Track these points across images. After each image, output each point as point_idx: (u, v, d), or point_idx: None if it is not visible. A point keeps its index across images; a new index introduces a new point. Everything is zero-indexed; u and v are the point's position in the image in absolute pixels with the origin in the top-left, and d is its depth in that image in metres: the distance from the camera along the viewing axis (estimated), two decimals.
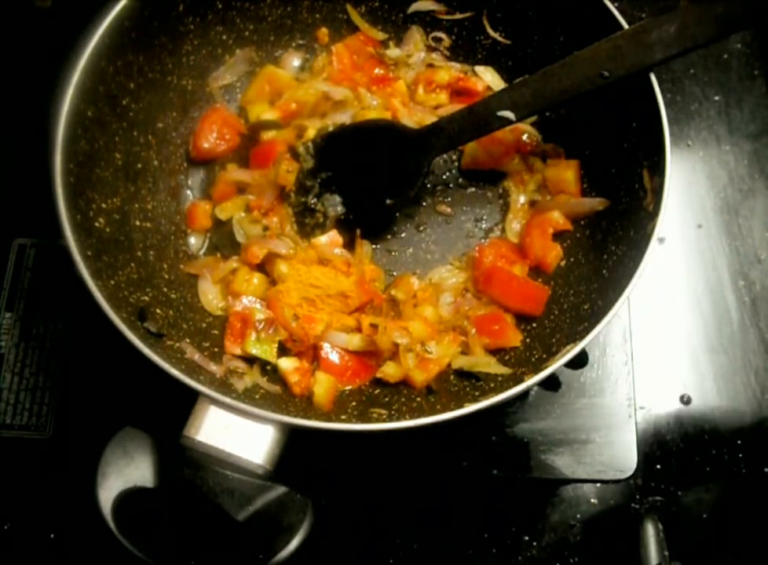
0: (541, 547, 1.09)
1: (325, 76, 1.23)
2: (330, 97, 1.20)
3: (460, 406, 0.87)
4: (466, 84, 1.24)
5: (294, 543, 0.83)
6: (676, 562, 1.03)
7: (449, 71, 1.25)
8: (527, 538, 1.09)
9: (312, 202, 1.14)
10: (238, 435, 0.85)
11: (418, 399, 1.04)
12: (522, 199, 1.19)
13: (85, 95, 0.98)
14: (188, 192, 1.21)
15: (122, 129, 1.08)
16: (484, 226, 1.20)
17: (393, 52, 1.27)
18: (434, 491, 1.11)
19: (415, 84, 1.25)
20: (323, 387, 1.03)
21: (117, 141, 1.07)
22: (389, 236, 1.18)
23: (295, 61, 1.27)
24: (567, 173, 1.16)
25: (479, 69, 1.25)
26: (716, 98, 1.36)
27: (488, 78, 1.24)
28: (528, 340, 1.09)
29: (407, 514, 1.10)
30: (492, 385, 1.03)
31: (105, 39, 0.99)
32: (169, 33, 1.11)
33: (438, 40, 1.27)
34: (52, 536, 1.08)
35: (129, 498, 0.85)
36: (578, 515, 1.10)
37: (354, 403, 1.04)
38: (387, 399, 1.05)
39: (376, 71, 1.26)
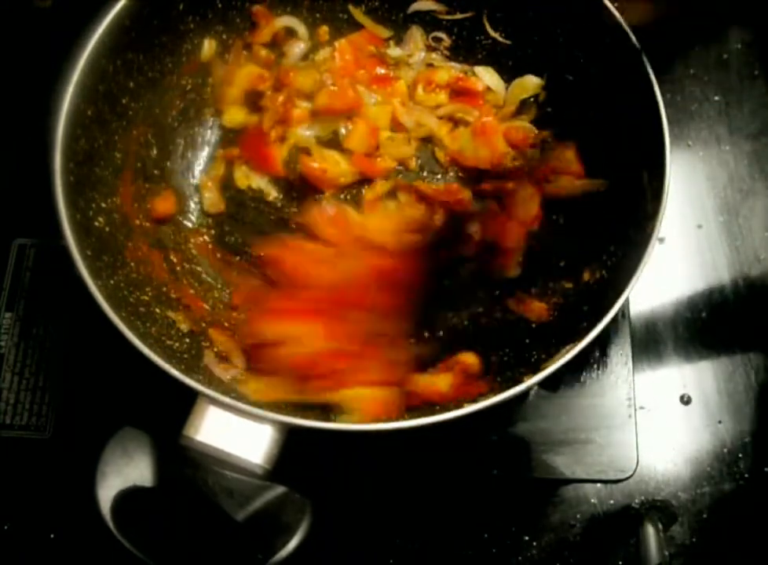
0: (541, 547, 1.09)
1: (325, 69, 1.22)
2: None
3: (460, 406, 0.86)
4: (465, 84, 1.24)
5: (293, 543, 0.83)
6: (676, 562, 1.03)
7: (449, 71, 1.24)
8: (527, 538, 1.09)
9: None
10: (237, 435, 0.84)
11: None
12: (520, 197, 1.18)
13: (84, 94, 0.97)
14: None
15: (122, 128, 1.08)
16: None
17: (394, 51, 1.26)
18: (434, 491, 1.11)
19: (414, 84, 1.25)
20: None
21: (117, 140, 1.07)
22: None
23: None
24: (567, 152, 1.14)
25: (479, 69, 1.25)
26: (716, 98, 1.36)
27: (488, 79, 1.24)
28: (528, 340, 1.09)
29: (407, 514, 1.10)
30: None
31: (105, 38, 0.99)
32: (169, 32, 1.11)
33: (438, 40, 1.27)
34: (52, 536, 1.08)
35: (128, 498, 0.85)
36: (578, 515, 1.10)
37: None
38: None
39: (377, 70, 1.26)
